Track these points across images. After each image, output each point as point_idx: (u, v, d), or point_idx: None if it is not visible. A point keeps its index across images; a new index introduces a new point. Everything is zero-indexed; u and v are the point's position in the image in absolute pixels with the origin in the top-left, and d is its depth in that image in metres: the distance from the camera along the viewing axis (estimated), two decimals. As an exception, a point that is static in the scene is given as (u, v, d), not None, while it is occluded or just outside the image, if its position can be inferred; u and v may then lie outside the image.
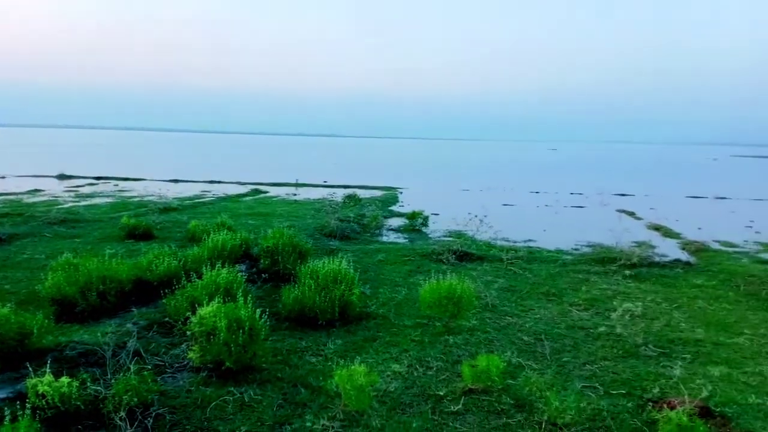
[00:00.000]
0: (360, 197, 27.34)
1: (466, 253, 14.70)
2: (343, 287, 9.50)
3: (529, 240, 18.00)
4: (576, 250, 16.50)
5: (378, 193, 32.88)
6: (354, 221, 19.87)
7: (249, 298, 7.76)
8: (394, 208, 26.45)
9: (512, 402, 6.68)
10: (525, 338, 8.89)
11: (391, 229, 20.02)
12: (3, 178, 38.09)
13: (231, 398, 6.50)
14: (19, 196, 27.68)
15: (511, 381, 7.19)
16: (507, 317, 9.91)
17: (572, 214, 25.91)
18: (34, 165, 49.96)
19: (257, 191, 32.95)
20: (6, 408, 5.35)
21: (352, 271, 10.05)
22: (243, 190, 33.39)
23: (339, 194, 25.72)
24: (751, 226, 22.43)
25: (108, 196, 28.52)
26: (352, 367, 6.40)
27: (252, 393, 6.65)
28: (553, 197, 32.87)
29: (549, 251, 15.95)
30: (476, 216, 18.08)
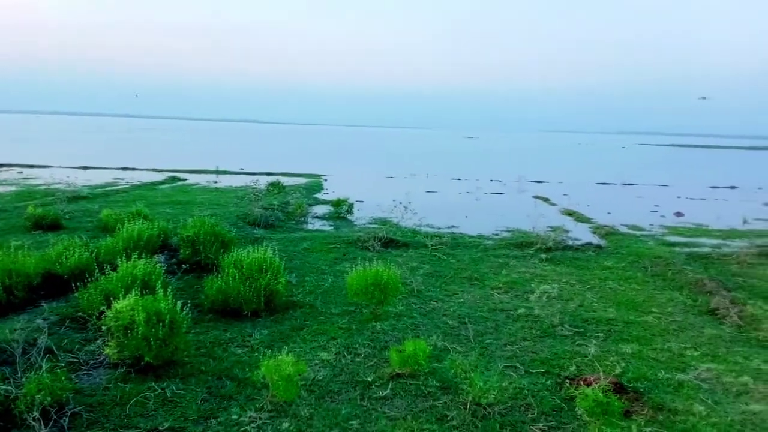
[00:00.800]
0: (284, 185, 26.94)
1: (392, 240, 14.85)
2: (268, 276, 9.35)
3: (452, 226, 18.42)
4: (496, 235, 17.05)
5: (302, 180, 32.54)
6: (278, 209, 19.58)
7: (169, 290, 7.48)
8: (318, 195, 26.29)
9: (438, 385, 6.85)
10: (450, 322, 9.11)
11: (317, 217, 19.91)
12: None
13: (152, 394, 6.27)
14: None
15: (437, 364, 7.36)
16: (432, 302, 10.12)
17: (492, 201, 26.73)
18: (-77, 150, 45.78)
19: (175, 179, 31.76)
20: None
21: (277, 259, 9.91)
22: (159, 177, 32.08)
23: (262, 182, 25.20)
24: (656, 211, 24.01)
25: (11, 184, 26.62)
26: (279, 357, 6.33)
27: (174, 388, 6.45)
28: (474, 184, 33.75)
29: (471, 237, 16.38)
30: (401, 203, 18.29)
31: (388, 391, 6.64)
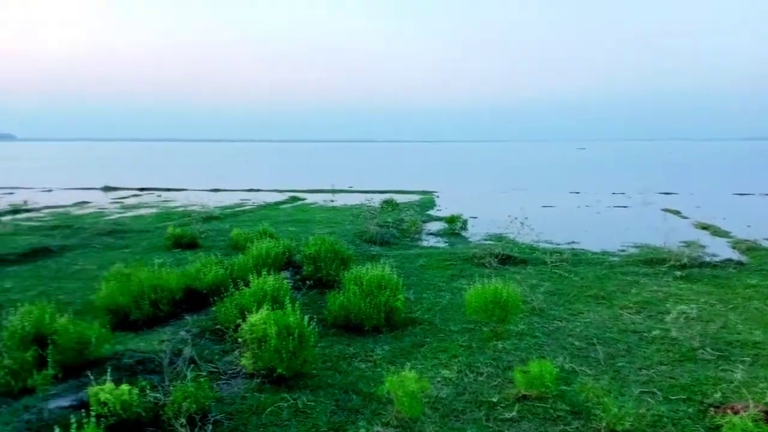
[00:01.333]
0: (397, 202, 27.36)
1: (509, 257, 14.54)
2: (387, 293, 9.50)
3: (573, 242, 17.71)
4: (622, 251, 16.16)
5: (414, 197, 32.86)
6: (393, 226, 19.88)
7: (296, 305, 7.82)
8: (431, 212, 26.39)
9: (568, 409, 6.56)
10: (576, 343, 8.73)
11: (431, 234, 19.98)
12: (50, 191, 39.42)
13: (285, 404, 6.56)
14: (67, 209, 28.60)
15: (565, 387, 7.06)
16: (556, 321, 9.76)
17: (615, 215, 25.41)
18: (80, 178, 51.60)
19: (295, 198, 33.32)
20: (71, 416, 5.50)
21: (395, 276, 10.05)
22: (281, 197, 33.80)
23: (376, 200, 25.79)
24: (805, 223, 21.62)
25: (152, 207, 29.24)
26: (403, 373, 6.38)
27: (305, 399, 6.70)
28: (594, 197, 32.29)
29: (594, 253, 15.65)
30: (516, 218, 17.89)
31: (515, 413, 6.46)
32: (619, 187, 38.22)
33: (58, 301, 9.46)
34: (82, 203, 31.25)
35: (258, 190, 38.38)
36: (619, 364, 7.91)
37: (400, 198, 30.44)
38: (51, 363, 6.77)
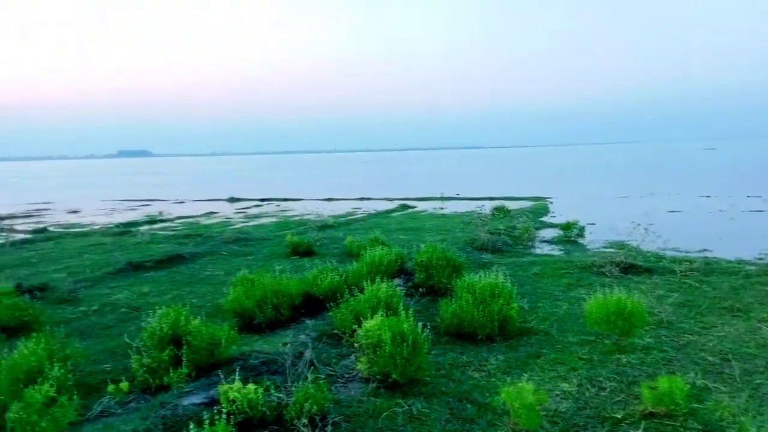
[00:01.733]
0: (508, 209, 26.82)
1: (632, 265, 13.74)
2: (501, 301, 9.32)
3: (704, 249, 16.43)
4: (760, 259, 14.75)
5: (526, 204, 32.06)
6: (505, 233, 19.51)
7: (409, 312, 7.90)
8: (545, 218, 25.61)
9: (700, 428, 6.08)
10: (709, 358, 8.06)
11: (545, 241, 19.38)
12: (182, 203, 42.79)
13: (400, 410, 6.63)
14: (197, 219, 30.90)
15: (697, 405, 6.55)
16: (686, 335, 9.07)
17: (753, 220, 23.25)
18: (208, 190, 55.56)
19: (405, 206, 33.68)
20: (203, 412, 5.92)
21: (509, 284, 9.84)
22: (391, 206, 34.31)
23: (486, 207, 25.47)
24: None
25: (272, 216, 30.84)
26: (519, 384, 6.24)
27: (419, 406, 6.73)
28: (727, 201, 29.73)
29: (729, 261, 14.39)
30: (639, 224, 16.87)
31: (641, 430, 6.08)
32: (755, 190, 34.92)
33: (191, 304, 10.22)
34: (210, 213, 33.64)
35: (369, 199, 39.26)
36: (758, 381, 7.20)
37: (511, 205, 29.83)
38: (185, 362, 7.33)
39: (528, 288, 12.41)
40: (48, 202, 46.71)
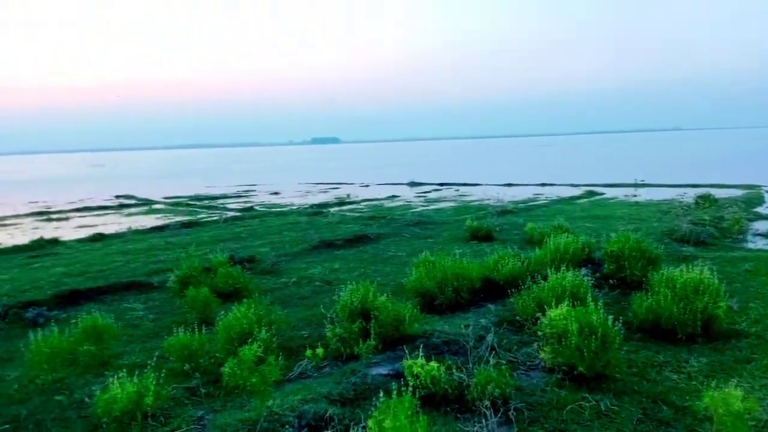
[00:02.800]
0: (715, 198, 24.01)
1: None
2: (706, 299, 8.41)
3: None
4: None
5: (737, 192, 28.42)
6: (710, 225, 17.51)
7: (599, 304, 7.48)
8: (760, 209, 22.49)
9: None
10: None
11: (759, 234, 17.04)
12: (367, 186, 45.07)
13: (587, 404, 6.34)
14: (381, 202, 32.33)
15: None
16: None
17: None
18: (391, 174, 57.82)
19: (592, 193, 31.85)
20: (390, 383, 6.22)
21: (716, 281, 8.83)
22: (576, 192, 32.67)
23: (689, 194, 23.06)
24: None
25: (451, 201, 31.16)
26: (726, 389, 5.60)
27: (608, 402, 6.37)
28: None
29: None
30: None
31: None
32: None
33: (377, 282, 10.76)
34: (392, 197, 35.01)
35: (551, 185, 37.80)
36: None
37: (719, 193, 26.67)
38: (373, 335, 7.76)
39: (738, 286, 11.03)
40: (253, 185, 52.22)
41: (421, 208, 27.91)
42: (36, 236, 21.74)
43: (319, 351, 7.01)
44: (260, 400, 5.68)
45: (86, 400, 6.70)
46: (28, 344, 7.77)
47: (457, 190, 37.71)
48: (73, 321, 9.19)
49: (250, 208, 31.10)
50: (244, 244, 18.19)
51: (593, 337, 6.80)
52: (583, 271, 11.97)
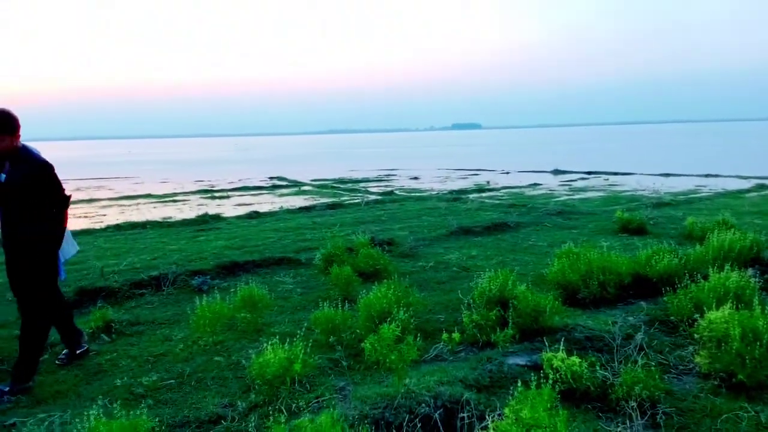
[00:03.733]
0: None
1: None
2: None
3: None
4: None
5: None
6: None
7: (766, 308, 6.73)
8: None
9: None
10: None
11: None
12: (507, 173, 44.12)
13: (745, 415, 5.76)
14: (522, 189, 31.51)
15: None
16: None
17: None
18: (532, 161, 56.09)
19: (763, 186, 28.51)
20: (527, 374, 6.10)
21: None
22: (745, 184, 29.43)
23: None
24: None
25: (599, 190, 29.55)
26: None
27: (772, 416, 5.74)
28: None
29: None
30: None
31: None
32: None
33: (515, 272, 10.53)
34: (534, 185, 33.96)
35: (716, 176, 34.39)
36: None
37: None
38: (511, 324, 7.65)
39: None
40: (394, 169, 53.34)
41: (566, 197, 26.78)
42: (201, 212, 24.05)
43: (455, 335, 7.02)
44: (398, 377, 5.86)
45: (242, 362, 7.34)
46: (193, 309, 8.68)
47: (606, 179, 35.63)
48: (232, 290, 10.10)
49: (391, 192, 31.85)
50: (384, 227, 18.72)
51: (758, 343, 6.15)
52: (750, 271, 10.80)
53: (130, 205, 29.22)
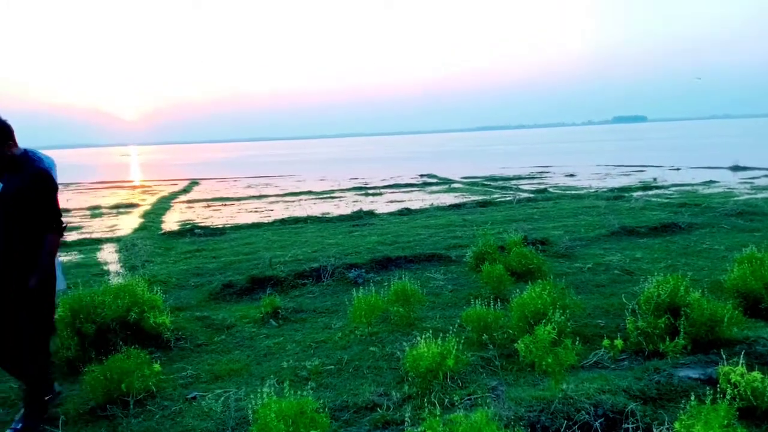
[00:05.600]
0: None
1: None
2: None
3: None
4: None
5: None
6: None
7: None
8: None
9: None
10: None
11: None
12: (678, 170, 40.49)
13: None
14: (695, 188, 28.78)
15: None
16: None
17: None
18: (708, 157, 50.95)
19: None
20: (701, 389, 5.58)
21: None
22: None
23: None
24: None
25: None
26: None
27: None
28: None
29: None
30: None
31: None
32: None
33: (688, 276, 9.65)
34: (709, 182, 30.84)
35: None
36: None
37: None
38: (682, 334, 7.03)
39: None
40: (548, 166, 51.45)
41: (747, 196, 23.97)
42: (356, 208, 25.15)
43: (618, 342, 6.64)
44: (554, 381, 5.66)
45: (396, 353, 7.56)
46: (350, 300, 9.10)
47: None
48: (385, 284, 10.45)
49: (544, 190, 30.77)
50: (536, 226, 18.15)
51: None
52: None
53: (293, 201, 31.40)
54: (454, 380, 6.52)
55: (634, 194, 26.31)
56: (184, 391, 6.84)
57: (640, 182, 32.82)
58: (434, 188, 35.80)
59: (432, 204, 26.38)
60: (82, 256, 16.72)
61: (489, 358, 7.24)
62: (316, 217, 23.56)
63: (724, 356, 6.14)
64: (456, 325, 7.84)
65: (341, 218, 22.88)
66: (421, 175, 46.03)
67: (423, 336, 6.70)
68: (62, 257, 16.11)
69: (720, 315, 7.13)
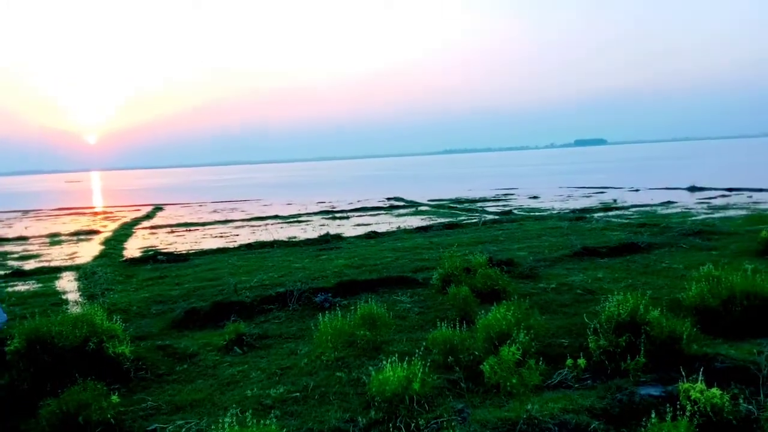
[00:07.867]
0: None
1: None
2: None
3: None
4: None
5: None
6: None
7: None
8: None
9: None
10: None
11: None
12: (637, 191, 41.61)
13: None
14: (653, 208, 29.59)
15: None
16: None
17: None
18: (666, 178, 52.51)
19: None
20: (661, 406, 5.68)
21: None
22: None
23: None
24: None
25: (742, 208, 27.08)
26: None
27: None
28: None
29: None
30: None
31: None
32: None
33: (647, 296, 9.86)
34: (667, 203, 31.77)
35: None
36: None
37: None
38: (642, 352, 7.16)
39: None
40: (512, 188, 52.32)
41: (704, 216, 24.76)
42: (323, 232, 25.06)
43: (581, 361, 6.73)
44: (519, 402, 5.70)
45: (363, 378, 7.50)
46: (316, 325, 9.02)
47: (750, 197, 32.53)
48: (352, 307, 10.38)
49: (509, 212, 31.23)
50: (502, 247, 18.37)
51: None
52: None
53: (259, 226, 31.14)
54: (421, 404, 6.49)
55: (596, 215, 26.94)
56: (144, 423, 6.65)
57: (600, 203, 33.62)
58: (401, 211, 35.97)
59: (399, 227, 26.48)
60: (39, 285, 16.22)
61: (455, 380, 7.24)
62: (282, 241, 23.39)
63: (683, 373, 6.28)
64: (422, 348, 7.83)
65: (308, 242, 22.76)
66: (388, 198, 46.25)
67: (389, 360, 6.68)
68: (17, 286, 15.58)
69: (679, 332, 7.31)
